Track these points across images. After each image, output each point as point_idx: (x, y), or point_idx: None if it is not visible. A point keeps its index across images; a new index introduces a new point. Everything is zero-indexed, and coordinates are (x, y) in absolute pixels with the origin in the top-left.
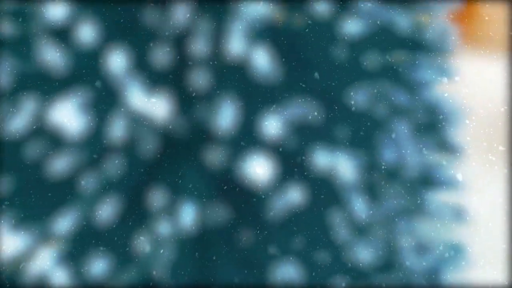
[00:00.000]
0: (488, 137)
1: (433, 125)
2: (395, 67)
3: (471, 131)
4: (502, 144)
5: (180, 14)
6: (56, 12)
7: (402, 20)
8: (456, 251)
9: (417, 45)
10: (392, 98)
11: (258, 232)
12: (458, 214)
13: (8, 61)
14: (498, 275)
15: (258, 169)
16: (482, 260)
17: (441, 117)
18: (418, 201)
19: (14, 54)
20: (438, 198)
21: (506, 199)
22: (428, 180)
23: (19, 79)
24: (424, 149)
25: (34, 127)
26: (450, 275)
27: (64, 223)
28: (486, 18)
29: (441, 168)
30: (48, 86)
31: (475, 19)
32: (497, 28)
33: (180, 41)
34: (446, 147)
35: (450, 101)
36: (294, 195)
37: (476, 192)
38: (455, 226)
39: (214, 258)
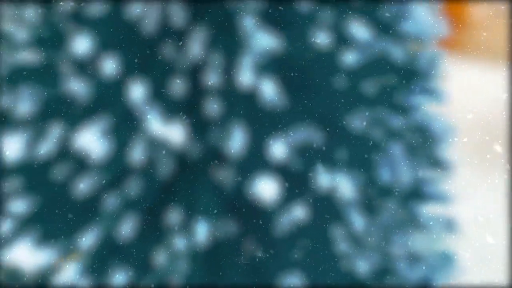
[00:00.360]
0: (488, 146)
1: (425, 144)
2: (390, 93)
3: (470, 141)
4: (502, 154)
5: (194, 49)
6: (81, 45)
7: (395, 50)
8: (446, 260)
9: (410, 72)
10: (388, 121)
11: (266, 245)
12: (449, 225)
13: (34, 89)
14: (498, 279)
15: (266, 188)
16: (482, 264)
17: (432, 135)
18: (412, 215)
19: (40, 82)
20: (430, 211)
21: (507, 206)
22: (420, 194)
23: (45, 106)
24: (417, 166)
25: (59, 150)
26: (442, 282)
27: (88, 238)
28: (486, 26)
29: (433, 183)
30: (73, 113)
31: (475, 27)
32: (497, 36)
33: (194, 72)
34: (438, 163)
35: (441, 120)
36: (299, 211)
37: (476, 199)
38: (446, 236)
39: (225, 268)
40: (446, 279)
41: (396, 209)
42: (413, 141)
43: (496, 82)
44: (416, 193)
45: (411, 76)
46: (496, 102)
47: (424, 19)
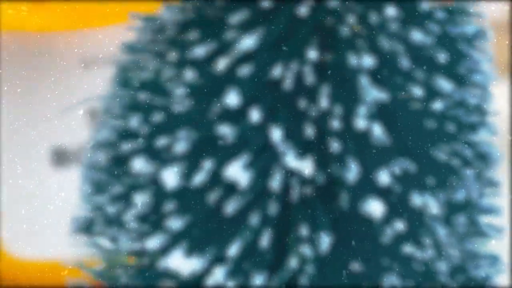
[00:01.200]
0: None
1: (486, 168)
2: (464, 130)
3: None
4: (504, 161)
5: (321, 101)
6: (232, 97)
7: (468, 95)
8: (496, 260)
9: (478, 112)
10: (462, 152)
11: (373, 252)
12: (500, 232)
13: (188, 132)
14: (502, 280)
15: (374, 207)
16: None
17: (491, 161)
18: (476, 225)
19: (193, 127)
20: (488, 221)
21: (507, 207)
22: (483, 208)
23: (198, 145)
24: (479, 186)
25: (211, 179)
26: (495, 280)
27: (234, 248)
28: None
29: (489, 198)
30: (222, 151)
31: None
32: (500, 52)
33: (321, 119)
34: (493, 182)
35: (495, 149)
36: (398, 226)
37: None
38: (496, 241)
39: (342, 272)
40: (497, 277)
41: (467, 220)
42: (478, 167)
43: (499, 94)
44: (480, 208)
45: (479, 115)
46: (498, 113)
47: (486, 69)
